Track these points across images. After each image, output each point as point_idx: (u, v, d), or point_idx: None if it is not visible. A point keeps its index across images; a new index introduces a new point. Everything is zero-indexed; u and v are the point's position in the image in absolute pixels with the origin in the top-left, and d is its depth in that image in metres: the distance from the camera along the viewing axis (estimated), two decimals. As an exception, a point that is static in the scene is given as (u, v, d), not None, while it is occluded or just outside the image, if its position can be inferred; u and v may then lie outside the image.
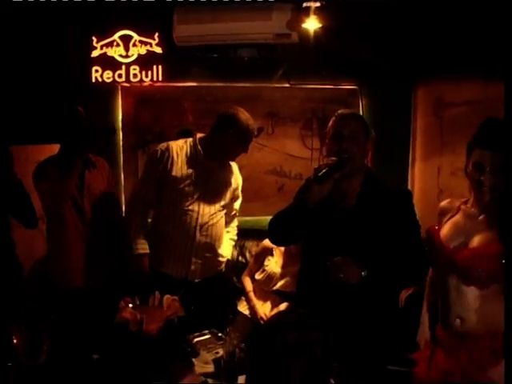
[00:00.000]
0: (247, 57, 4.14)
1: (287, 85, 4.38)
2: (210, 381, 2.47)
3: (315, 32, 3.57)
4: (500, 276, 2.20)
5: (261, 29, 3.66)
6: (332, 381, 1.78)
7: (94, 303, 3.07)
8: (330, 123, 2.52)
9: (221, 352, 2.65)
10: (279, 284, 3.67)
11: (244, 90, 4.34)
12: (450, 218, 2.44)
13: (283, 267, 3.68)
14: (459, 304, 2.31)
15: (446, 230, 2.41)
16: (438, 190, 4.18)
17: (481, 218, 2.33)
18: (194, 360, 2.53)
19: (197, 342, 2.72)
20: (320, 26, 3.49)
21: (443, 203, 2.56)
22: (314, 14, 3.41)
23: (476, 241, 2.29)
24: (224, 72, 4.23)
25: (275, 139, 4.50)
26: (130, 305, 2.54)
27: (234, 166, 3.35)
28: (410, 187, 4.49)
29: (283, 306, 3.58)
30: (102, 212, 3.25)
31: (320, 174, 2.37)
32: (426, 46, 3.81)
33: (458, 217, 2.41)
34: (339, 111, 2.58)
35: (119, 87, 4.17)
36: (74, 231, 3.18)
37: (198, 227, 3.15)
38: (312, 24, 3.47)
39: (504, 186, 2.20)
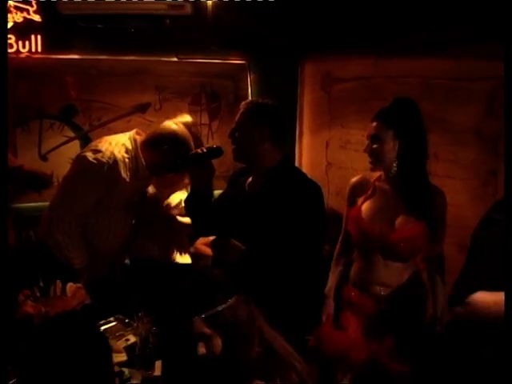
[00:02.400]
0: (134, 28, 3.93)
1: (175, 59, 4.25)
2: (125, 370, 2.37)
3: (210, 4, 3.48)
4: (424, 250, 2.37)
5: (153, -2, 3.50)
6: None
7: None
8: None
9: (132, 339, 2.56)
10: None
11: (131, 64, 4.14)
12: (366, 199, 2.54)
13: None
14: (384, 275, 2.45)
15: (366, 211, 2.51)
16: (327, 163, 4.32)
17: (397, 196, 2.47)
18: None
19: (103, 330, 2.57)
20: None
21: (354, 180, 2.66)
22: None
23: (401, 221, 2.43)
24: (109, 44, 3.98)
25: (163, 115, 4.33)
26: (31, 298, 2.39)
27: None
28: (297, 160, 4.61)
29: None
30: None
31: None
32: (314, 21, 3.88)
33: (376, 197, 2.53)
34: None
35: (-8, 59, 3.77)
36: None
37: None
38: (209, -2, 3.38)
39: (391, 156, 2.43)
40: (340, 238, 2.77)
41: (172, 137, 2.94)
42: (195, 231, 2.95)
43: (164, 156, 2.94)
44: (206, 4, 3.42)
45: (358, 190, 2.60)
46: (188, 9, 3.56)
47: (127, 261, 3.40)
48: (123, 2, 3.45)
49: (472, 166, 2.94)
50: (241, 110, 2.54)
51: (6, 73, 1.87)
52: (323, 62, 4.25)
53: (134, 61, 4.14)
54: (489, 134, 2.81)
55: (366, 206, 2.53)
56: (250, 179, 2.61)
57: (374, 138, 2.46)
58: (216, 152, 2.53)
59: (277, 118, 2.55)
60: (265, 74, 4.47)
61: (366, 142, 2.53)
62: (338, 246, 2.79)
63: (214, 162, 2.57)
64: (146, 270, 3.23)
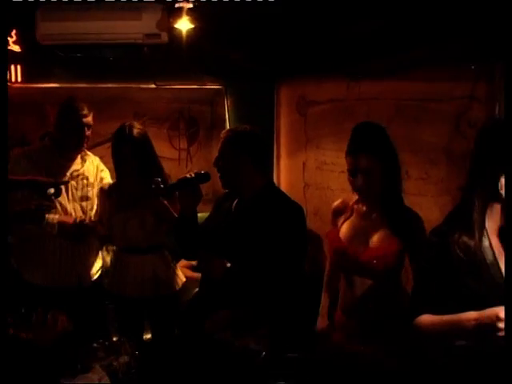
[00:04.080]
0: (112, 57, 4.01)
1: (153, 86, 4.34)
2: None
3: (186, 32, 3.56)
4: (400, 267, 2.44)
5: (130, 29, 3.57)
6: None
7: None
8: None
9: (114, 363, 2.43)
10: None
11: (109, 91, 4.24)
12: (345, 220, 2.60)
13: None
14: (363, 297, 2.50)
15: (344, 232, 2.57)
16: (304, 183, 4.39)
17: (374, 216, 2.51)
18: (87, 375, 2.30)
19: (85, 354, 2.44)
20: (192, 26, 3.49)
21: (336, 204, 2.73)
22: (187, 14, 3.40)
23: (375, 240, 2.47)
24: (88, 72, 4.08)
25: (142, 141, 4.42)
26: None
27: None
28: (276, 182, 4.68)
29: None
30: None
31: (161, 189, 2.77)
32: (287, 46, 3.98)
33: (353, 218, 2.58)
34: None
35: (-28, 89, 3.81)
36: None
37: None
38: (184, 25, 3.46)
39: (377, 185, 2.44)
40: (327, 264, 2.84)
41: None
42: (182, 254, 3.03)
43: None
44: (181, 33, 3.49)
45: (339, 213, 2.67)
46: (164, 37, 3.63)
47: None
48: (101, 33, 3.51)
49: (442, 183, 3.03)
50: (222, 139, 2.66)
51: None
52: (298, 85, 4.35)
53: (113, 88, 4.24)
54: (458, 153, 2.90)
55: (344, 227, 2.58)
56: (236, 203, 2.71)
57: (364, 171, 2.42)
58: (204, 177, 2.64)
59: (257, 145, 2.66)
60: (242, 98, 4.57)
61: (346, 174, 2.54)
62: (326, 272, 2.85)
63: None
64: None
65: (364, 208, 2.55)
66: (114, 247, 3.37)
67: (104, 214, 3.25)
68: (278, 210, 2.57)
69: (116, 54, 3.99)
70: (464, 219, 1.77)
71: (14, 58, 3.76)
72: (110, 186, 3.28)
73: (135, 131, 3.14)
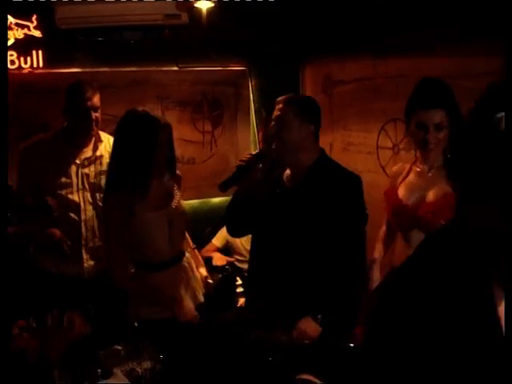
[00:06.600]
0: (133, 39, 3.97)
1: (176, 68, 4.28)
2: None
3: (207, 12, 3.49)
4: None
5: (150, 9, 3.52)
6: None
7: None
8: None
9: (138, 368, 2.27)
10: None
11: (131, 75, 4.18)
12: (403, 180, 2.63)
13: None
14: None
15: (402, 190, 2.60)
16: (331, 165, 4.31)
17: (430, 174, 2.53)
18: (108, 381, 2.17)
19: (107, 359, 2.28)
20: (212, 5, 3.42)
21: (395, 168, 2.81)
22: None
23: (432, 195, 2.49)
24: (109, 56, 4.02)
25: (166, 124, 4.38)
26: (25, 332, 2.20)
27: None
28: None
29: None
30: None
31: (221, 184, 2.53)
32: (312, 24, 3.88)
33: (410, 177, 2.61)
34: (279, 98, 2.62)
35: (-5, 75, 3.81)
36: None
37: None
38: (204, 4, 3.39)
39: (447, 139, 2.43)
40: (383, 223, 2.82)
41: None
42: (232, 231, 2.90)
43: None
44: (202, 12, 3.42)
45: (397, 175, 2.69)
46: (185, 18, 3.57)
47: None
48: (120, 15, 3.47)
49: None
50: (283, 107, 2.51)
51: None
52: (323, 65, 4.25)
53: (135, 72, 4.18)
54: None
55: (401, 186, 2.62)
56: (288, 174, 2.61)
57: (437, 126, 2.42)
58: (261, 156, 2.58)
59: (318, 113, 2.60)
60: (266, 79, 4.49)
61: (414, 132, 2.48)
62: (382, 231, 2.82)
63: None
64: None
65: (421, 166, 2.57)
66: None
67: None
68: (340, 182, 2.51)
69: (137, 36, 3.93)
70: None
71: (36, 43, 3.73)
72: None
73: (162, 116, 2.98)
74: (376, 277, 2.73)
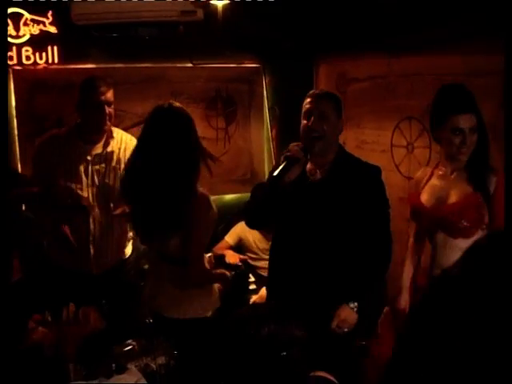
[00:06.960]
0: (148, 36, 3.97)
1: (190, 64, 4.28)
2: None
3: (222, 9, 3.49)
4: (481, 223, 2.43)
5: (165, 6, 3.53)
6: None
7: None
8: (304, 102, 2.59)
9: (152, 364, 2.28)
10: None
11: (146, 71, 4.18)
12: (426, 183, 2.66)
13: None
14: (446, 257, 2.46)
15: (425, 193, 2.64)
16: (344, 163, 4.30)
17: (453, 176, 2.56)
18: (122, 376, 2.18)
19: (121, 354, 2.30)
20: (227, 2, 3.42)
21: (417, 174, 2.82)
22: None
23: (453, 195, 2.52)
24: (124, 53, 4.03)
25: (180, 120, 4.38)
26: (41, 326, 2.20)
27: None
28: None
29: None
30: None
31: (274, 176, 2.49)
32: (326, 22, 3.87)
33: (433, 180, 2.64)
34: (312, 91, 2.66)
35: (11, 70, 3.81)
36: None
37: None
38: (219, 1, 3.39)
39: (474, 143, 2.47)
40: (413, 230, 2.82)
41: None
42: (252, 223, 2.88)
43: None
44: (217, 9, 3.42)
45: (420, 180, 2.72)
46: (200, 14, 3.57)
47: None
48: (136, 11, 3.47)
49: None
50: (322, 101, 2.54)
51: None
52: (338, 62, 4.23)
53: (149, 68, 4.18)
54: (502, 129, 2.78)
55: (424, 190, 2.65)
56: (310, 167, 2.63)
57: (468, 130, 2.44)
58: (295, 160, 2.53)
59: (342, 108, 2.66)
60: (280, 77, 4.49)
61: (458, 139, 2.46)
62: (410, 242, 2.82)
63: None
64: None
65: (443, 169, 2.60)
66: None
67: None
68: (366, 172, 2.59)
69: (152, 33, 3.94)
70: None
71: (51, 39, 3.75)
72: None
73: None
74: (405, 299, 2.75)
